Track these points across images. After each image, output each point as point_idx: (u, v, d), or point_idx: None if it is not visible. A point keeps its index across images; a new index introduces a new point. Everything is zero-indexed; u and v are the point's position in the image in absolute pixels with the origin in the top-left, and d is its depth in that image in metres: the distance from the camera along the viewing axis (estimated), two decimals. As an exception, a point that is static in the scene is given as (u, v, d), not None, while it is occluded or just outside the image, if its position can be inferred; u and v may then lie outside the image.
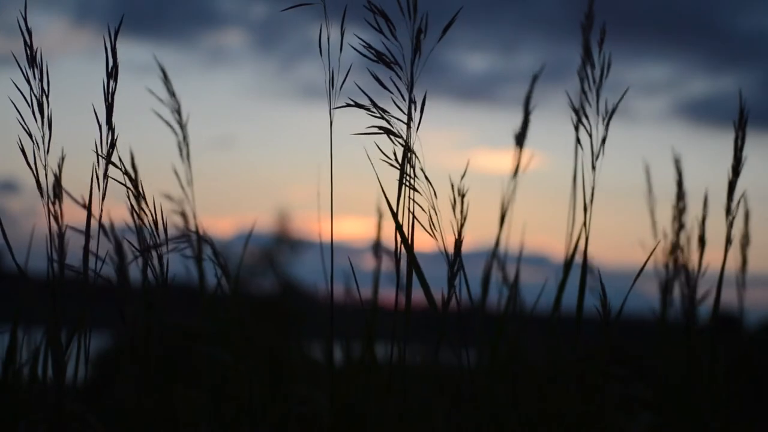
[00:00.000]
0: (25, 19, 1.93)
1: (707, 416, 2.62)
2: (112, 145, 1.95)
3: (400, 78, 1.89)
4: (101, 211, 1.97)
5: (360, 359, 2.33)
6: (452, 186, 1.97)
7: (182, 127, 2.59)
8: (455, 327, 1.99)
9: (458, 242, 1.92)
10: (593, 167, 2.11)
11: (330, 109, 1.90)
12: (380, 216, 2.94)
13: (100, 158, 1.96)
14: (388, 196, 1.92)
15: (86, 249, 1.96)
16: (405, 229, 1.93)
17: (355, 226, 3.31)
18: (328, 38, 1.88)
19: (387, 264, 2.89)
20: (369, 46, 1.88)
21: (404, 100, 1.90)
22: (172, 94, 2.57)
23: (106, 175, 1.96)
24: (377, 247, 2.93)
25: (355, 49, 1.88)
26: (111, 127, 1.96)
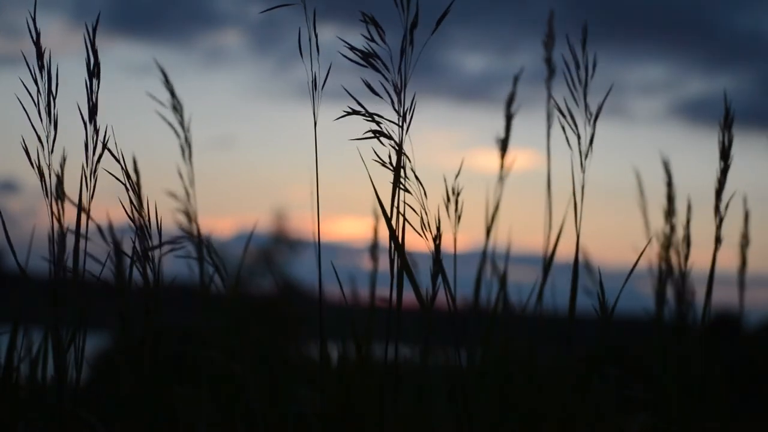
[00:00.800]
0: (34, 20, 1.93)
1: (705, 416, 2.63)
2: (104, 146, 1.96)
3: (388, 80, 1.90)
4: (89, 211, 1.98)
5: (356, 359, 2.34)
6: (446, 185, 1.98)
7: (184, 128, 2.59)
8: (448, 327, 2.00)
9: (437, 239, 1.93)
10: (582, 168, 2.11)
11: (314, 110, 1.91)
12: (377, 217, 2.95)
13: (88, 158, 1.97)
14: (381, 196, 1.93)
15: (76, 249, 1.97)
16: (396, 229, 1.93)
17: (354, 227, 3.32)
18: (309, 39, 1.89)
19: (384, 264, 2.90)
20: (353, 48, 1.89)
21: (397, 101, 1.91)
22: (173, 94, 2.57)
23: (94, 175, 1.97)
24: (374, 248, 2.93)
25: (344, 56, 1.89)
26: (96, 127, 1.96)
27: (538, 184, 2.80)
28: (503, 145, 2.71)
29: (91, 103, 1.96)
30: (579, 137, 2.10)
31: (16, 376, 2.17)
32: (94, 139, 1.96)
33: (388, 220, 1.92)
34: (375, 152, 1.91)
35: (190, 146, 2.59)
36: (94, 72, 1.95)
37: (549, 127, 2.69)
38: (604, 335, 2.14)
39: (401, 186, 1.91)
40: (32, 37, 1.92)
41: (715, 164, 2.46)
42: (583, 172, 2.11)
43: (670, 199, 2.74)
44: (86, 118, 1.95)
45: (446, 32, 1.93)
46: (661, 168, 2.82)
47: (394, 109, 1.91)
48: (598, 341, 2.22)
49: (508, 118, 2.71)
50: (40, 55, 1.94)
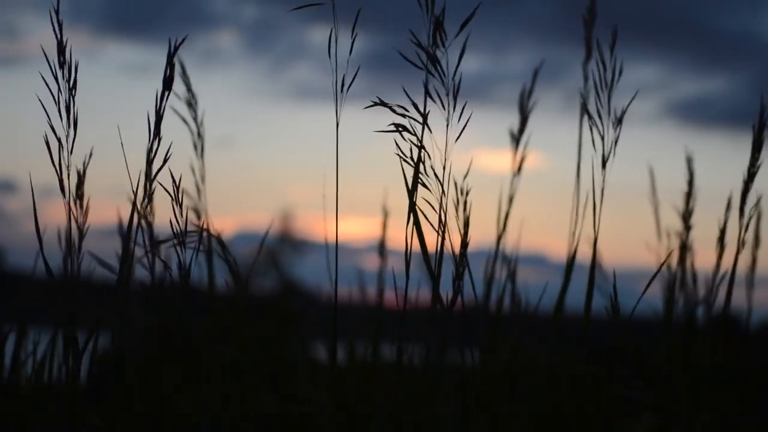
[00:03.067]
0: (57, 13, 1.91)
1: (707, 416, 2.63)
2: (165, 160, 1.95)
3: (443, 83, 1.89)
4: (143, 215, 1.96)
5: (364, 359, 2.33)
6: (456, 185, 1.96)
7: (197, 123, 2.56)
8: (460, 327, 1.99)
9: (464, 242, 1.92)
10: (603, 168, 2.10)
11: (336, 110, 1.89)
12: (386, 215, 2.93)
13: (152, 165, 1.95)
14: (391, 196, 1.92)
15: (127, 250, 1.96)
16: (408, 229, 1.92)
17: (356, 227, 3.31)
18: (336, 39, 1.87)
19: (391, 264, 2.89)
20: (420, 44, 1.87)
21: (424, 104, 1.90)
22: (189, 88, 2.54)
23: (152, 181, 1.96)
24: (382, 247, 2.92)
25: (402, 55, 1.87)
26: (159, 136, 1.95)
27: (535, 183, 2.79)
28: (517, 143, 2.66)
29: (158, 113, 1.95)
30: (603, 138, 2.09)
31: (22, 378, 2.17)
32: (156, 147, 1.95)
33: (416, 218, 1.90)
34: (398, 146, 1.90)
35: (203, 142, 2.56)
36: (167, 84, 1.94)
37: (581, 127, 2.61)
38: (616, 336, 2.14)
39: (421, 182, 1.90)
40: (54, 32, 1.90)
41: (710, 165, 2.47)
42: (604, 172, 2.10)
43: (689, 197, 2.70)
44: (152, 127, 1.94)
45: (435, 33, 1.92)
46: (658, 167, 2.81)
47: (417, 110, 1.90)
48: (606, 342, 2.21)
49: (523, 116, 2.66)
50: (61, 51, 1.92)
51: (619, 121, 2.09)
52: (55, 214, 2.04)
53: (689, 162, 2.72)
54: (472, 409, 2.26)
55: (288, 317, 2.97)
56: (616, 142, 2.10)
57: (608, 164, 2.12)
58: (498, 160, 2.79)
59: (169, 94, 1.93)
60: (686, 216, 2.72)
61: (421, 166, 1.90)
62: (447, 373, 2.41)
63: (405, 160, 1.89)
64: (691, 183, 2.70)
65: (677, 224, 2.76)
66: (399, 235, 2.95)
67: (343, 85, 1.88)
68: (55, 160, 1.93)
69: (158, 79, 2.62)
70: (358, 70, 1.88)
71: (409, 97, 1.88)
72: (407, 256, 1.90)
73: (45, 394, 2.13)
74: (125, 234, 1.93)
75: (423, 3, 1.86)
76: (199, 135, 2.56)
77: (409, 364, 2.20)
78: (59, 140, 1.92)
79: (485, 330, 2.43)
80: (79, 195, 1.96)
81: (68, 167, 1.94)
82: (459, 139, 1.90)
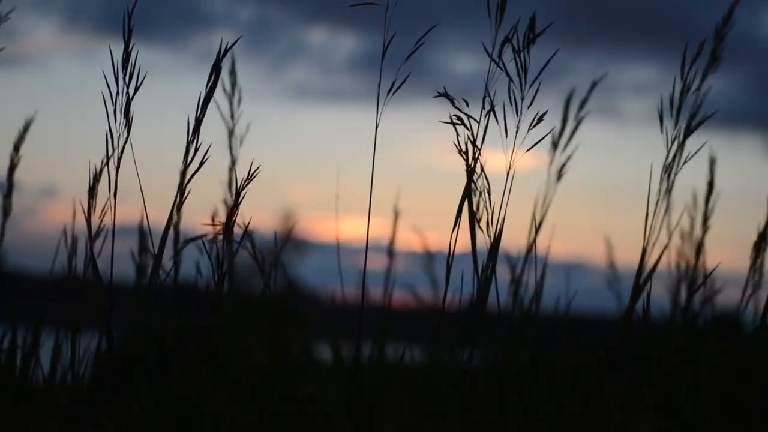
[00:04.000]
0: (130, 18, 1.91)
1: (710, 417, 2.63)
2: (202, 162, 1.94)
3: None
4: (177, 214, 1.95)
5: (375, 359, 2.33)
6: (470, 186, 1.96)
7: (234, 119, 2.54)
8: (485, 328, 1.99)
9: (533, 244, 1.92)
10: (671, 178, 2.10)
11: (377, 113, 1.89)
12: (396, 215, 2.93)
13: (189, 165, 1.95)
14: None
15: (161, 249, 1.97)
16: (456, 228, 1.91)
17: (357, 226, 3.32)
18: (384, 43, 1.85)
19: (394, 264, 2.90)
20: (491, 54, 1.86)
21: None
22: (234, 86, 2.52)
23: (188, 181, 1.96)
24: (390, 248, 2.92)
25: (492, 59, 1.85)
26: (198, 138, 1.94)
27: (536, 183, 2.79)
28: (555, 146, 2.66)
29: (198, 117, 1.94)
30: (681, 148, 2.09)
31: (26, 377, 2.17)
32: (194, 147, 1.94)
33: (471, 217, 1.90)
34: (456, 136, 1.89)
35: (236, 139, 2.55)
36: (209, 95, 1.93)
37: (665, 132, 2.61)
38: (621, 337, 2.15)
39: (474, 185, 1.89)
40: (124, 38, 1.89)
41: (706, 164, 2.49)
42: (669, 181, 2.10)
43: (709, 197, 2.69)
44: (191, 130, 1.94)
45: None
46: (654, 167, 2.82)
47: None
48: (614, 341, 2.22)
49: (566, 119, 2.65)
50: (127, 55, 1.92)
51: (690, 131, 2.09)
52: (55, 214, 2.04)
53: (712, 163, 2.70)
54: (478, 408, 2.26)
55: (292, 317, 2.98)
56: (686, 159, 2.10)
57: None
58: (499, 159, 2.80)
59: (210, 99, 1.92)
60: (705, 217, 2.71)
61: (472, 163, 1.89)
62: (456, 372, 2.42)
63: (460, 154, 1.88)
64: (711, 184, 2.69)
65: (682, 223, 2.77)
66: (401, 236, 2.95)
67: (391, 87, 1.86)
68: (91, 161, 1.94)
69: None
70: (408, 76, 1.86)
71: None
72: (450, 257, 1.89)
73: (52, 395, 2.13)
74: (163, 235, 1.93)
75: (492, 15, 1.85)
76: (233, 133, 2.54)
77: (423, 363, 2.21)
78: (112, 140, 1.93)
79: (505, 331, 2.43)
80: (93, 194, 1.96)
81: (117, 167, 1.95)
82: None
